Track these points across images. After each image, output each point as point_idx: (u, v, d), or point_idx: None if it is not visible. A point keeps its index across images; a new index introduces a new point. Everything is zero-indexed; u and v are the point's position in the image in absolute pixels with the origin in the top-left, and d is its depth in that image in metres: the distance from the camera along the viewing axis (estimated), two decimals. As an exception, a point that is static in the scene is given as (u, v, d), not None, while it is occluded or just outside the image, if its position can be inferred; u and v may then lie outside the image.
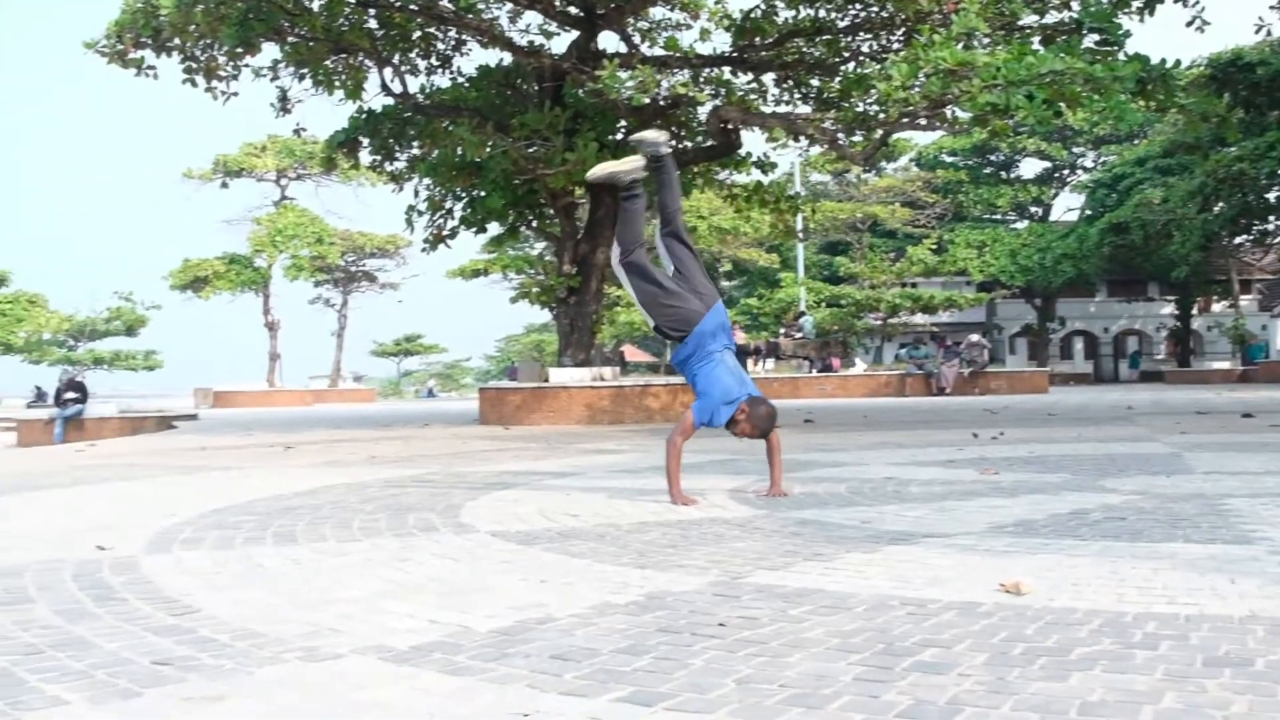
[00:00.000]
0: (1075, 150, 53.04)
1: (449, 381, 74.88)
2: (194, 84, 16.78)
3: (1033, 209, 55.18)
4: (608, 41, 17.39)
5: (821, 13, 16.14)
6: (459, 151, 16.09)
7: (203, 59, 16.47)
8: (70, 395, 21.67)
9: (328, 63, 16.76)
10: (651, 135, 5.98)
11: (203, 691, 2.46)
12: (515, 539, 4.66)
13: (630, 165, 5.90)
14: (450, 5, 15.87)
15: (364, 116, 18.08)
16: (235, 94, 17.06)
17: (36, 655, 2.85)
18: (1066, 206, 57.02)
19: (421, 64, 18.33)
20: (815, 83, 17.86)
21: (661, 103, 15.04)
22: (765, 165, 18.28)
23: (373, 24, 16.70)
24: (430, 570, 3.95)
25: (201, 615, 3.29)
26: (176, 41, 15.88)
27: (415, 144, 18.49)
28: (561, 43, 17.56)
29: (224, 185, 39.32)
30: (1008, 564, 3.82)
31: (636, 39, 16.92)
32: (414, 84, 17.88)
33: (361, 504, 6.02)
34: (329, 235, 39.59)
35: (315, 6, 15.35)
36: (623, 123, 16.68)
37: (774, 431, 5.85)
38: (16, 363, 45.56)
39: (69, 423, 20.79)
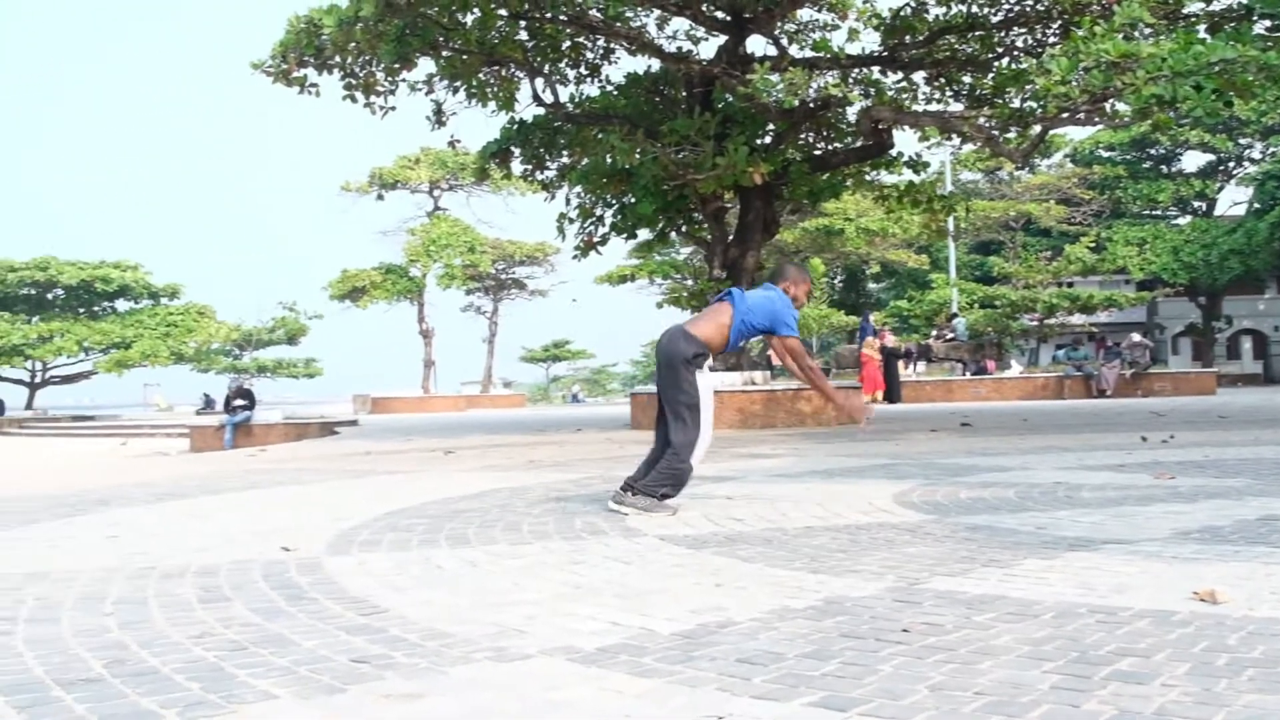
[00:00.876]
0: (1241, 141, 50.73)
1: (595, 387, 75.56)
2: (354, 100, 17.27)
3: (1196, 204, 52.97)
4: (755, 45, 17.37)
5: (974, 8, 15.82)
6: (609, 159, 16.23)
7: (362, 75, 16.95)
8: (239, 402, 22.56)
9: (481, 75, 17.10)
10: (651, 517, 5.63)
11: (401, 689, 2.54)
12: (683, 543, 4.68)
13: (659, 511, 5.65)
14: (599, 14, 16.03)
15: (515, 127, 18.36)
16: (393, 108, 17.51)
17: (241, 651, 2.97)
18: (1232, 200, 54.79)
19: (571, 73, 18.54)
20: (967, 80, 17.50)
21: (811, 104, 14.93)
22: (917, 165, 18.00)
23: (524, 35, 16.98)
24: (604, 573, 4.00)
25: (390, 615, 3.40)
26: (337, 59, 16.38)
27: (565, 152, 18.72)
28: (709, 48, 17.64)
29: (380, 197, 40.48)
30: (1198, 571, 3.68)
31: (784, 41, 16.83)
32: (564, 93, 18.11)
33: (528, 508, 6.12)
34: (480, 244, 40.36)
35: (469, 21, 15.67)
36: (770, 125, 16.63)
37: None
38: (186, 371, 47.61)
39: (238, 428, 21.65)
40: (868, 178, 18.72)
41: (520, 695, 2.45)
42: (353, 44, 15.16)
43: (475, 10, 15.03)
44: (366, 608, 3.52)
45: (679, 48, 17.28)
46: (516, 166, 19.60)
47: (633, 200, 16.79)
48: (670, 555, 4.37)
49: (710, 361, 5.87)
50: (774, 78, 12.74)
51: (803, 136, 17.46)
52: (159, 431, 28.48)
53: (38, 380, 42.01)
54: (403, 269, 39.61)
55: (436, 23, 15.16)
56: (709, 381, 5.77)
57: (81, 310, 41.66)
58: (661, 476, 5.66)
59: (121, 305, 42.88)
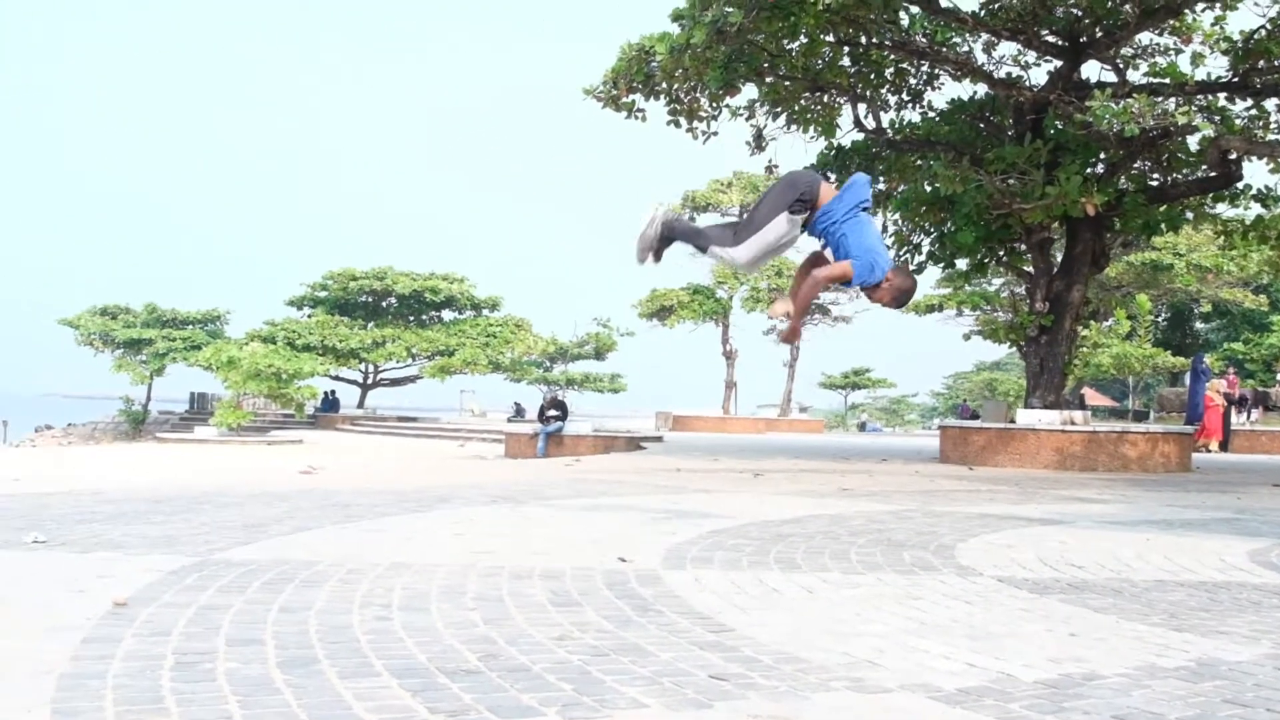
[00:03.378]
0: None
1: (893, 417, 74.21)
2: (677, 124, 17.70)
3: None
4: (1088, 70, 16.63)
5: (1343, 30, 14.58)
6: (929, 186, 15.95)
7: (686, 101, 17.36)
8: (553, 413, 23.45)
9: (803, 101, 17.17)
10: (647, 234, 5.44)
11: (767, 711, 2.57)
12: (1025, 586, 4.52)
13: (648, 226, 5.42)
14: (925, 40, 15.80)
15: (833, 153, 18.33)
16: (715, 134, 17.83)
17: (603, 657, 3.09)
18: None
19: (892, 99, 18.33)
20: (1329, 107, 16.14)
21: (1151, 133, 14.16)
22: (1267, 199, 16.73)
23: (847, 62, 16.94)
24: (948, 612, 3.92)
25: (737, 634, 3.45)
26: (664, 85, 16.84)
27: (881, 179, 18.51)
28: (1037, 73, 16.99)
29: (692, 219, 41.31)
30: None
31: (1120, 66, 16.05)
32: (884, 119, 17.92)
33: (851, 536, 6.08)
34: (788, 269, 40.46)
35: (795, 48, 15.78)
36: (1103, 155, 15.89)
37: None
38: (499, 380, 49.95)
39: (550, 438, 22.51)
40: (1209, 211, 17.56)
41: (888, 729, 2.44)
42: (680, 70, 15.53)
43: (803, 37, 15.11)
44: (714, 625, 3.59)
45: (1007, 73, 16.78)
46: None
47: (953, 229, 16.41)
48: (1013, 598, 4.24)
49: (802, 219, 5.34)
50: (1114, 105, 12.17)
51: (1137, 166, 16.57)
52: (475, 436, 30.03)
53: (369, 381, 45.18)
54: (710, 290, 40.24)
55: (763, 49, 15.35)
56: (784, 229, 5.31)
57: (411, 318, 44.49)
58: (684, 224, 5.53)
59: (447, 315, 45.51)
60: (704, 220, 5.33)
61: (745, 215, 5.54)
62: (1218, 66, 15.55)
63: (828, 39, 15.62)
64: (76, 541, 5.27)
